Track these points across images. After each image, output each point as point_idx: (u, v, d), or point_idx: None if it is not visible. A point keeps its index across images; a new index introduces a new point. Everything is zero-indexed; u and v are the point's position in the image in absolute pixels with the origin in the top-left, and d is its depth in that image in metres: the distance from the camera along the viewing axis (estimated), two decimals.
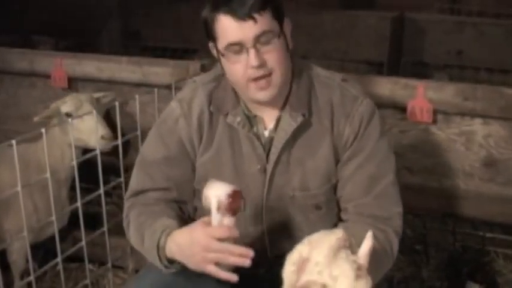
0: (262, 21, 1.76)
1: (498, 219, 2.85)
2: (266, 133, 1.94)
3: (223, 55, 1.83)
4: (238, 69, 1.81)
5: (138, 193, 2.01)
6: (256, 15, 1.75)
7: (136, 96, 2.80)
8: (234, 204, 1.70)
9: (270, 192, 1.95)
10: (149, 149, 2.03)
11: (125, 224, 2.02)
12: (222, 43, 1.81)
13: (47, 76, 3.35)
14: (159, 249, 1.81)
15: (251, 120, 1.94)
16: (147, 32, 5.87)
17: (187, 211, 2.04)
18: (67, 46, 5.06)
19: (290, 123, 1.89)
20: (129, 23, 5.94)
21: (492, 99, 2.60)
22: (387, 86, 2.73)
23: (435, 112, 2.69)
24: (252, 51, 1.77)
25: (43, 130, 2.42)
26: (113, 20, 5.90)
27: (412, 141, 2.78)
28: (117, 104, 2.72)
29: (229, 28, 1.77)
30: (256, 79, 1.81)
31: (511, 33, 4.86)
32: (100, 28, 5.83)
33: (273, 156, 1.92)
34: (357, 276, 1.40)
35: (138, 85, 3.16)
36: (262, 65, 1.79)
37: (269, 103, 1.90)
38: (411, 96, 2.68)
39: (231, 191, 1.70)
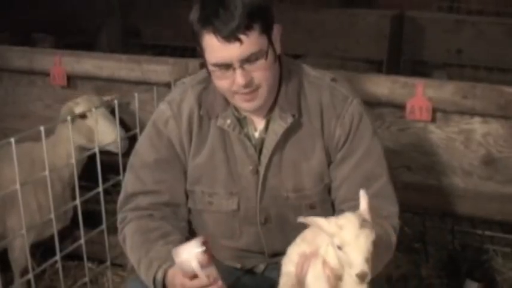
0: (249, 42, 1.71)
1: (497, 218, 2.85)
2: (256, 134, 1.93)
3: (209, 69, 1.81)
4: (225, 84, 1.80)
5: (129, 197, 2.00)
6: (242, 37, 1.70)
7: (136, 94, 2.80)
8: (210, 252, 1.65)
9: (264, 193, 1.94)
10: (140, 152, 2.01)
11: (120, 239, 2.01)
12: (208, 60, 1.78)
13: (46, 74, 3.34)
14: (156, 283, 1.80)
15: (241, 121, 1.92)
16: (146, 31, 5.87)
17: (182, 214, 2.03)
18: (66, 44, 5.03)
19: (280, 125, 1.88)
20: (129, 22, 5.93)
21: (491, 97, 2.61)
22: (386, 85, 2.73)
23: (434, 110, 2.69)
24: (238, 72, 1.74)
25: (42, 128, 2.42)
26: (112, 18, 5.89)
27: (411, 140, 2.78)
28: (116, 102, 2.72)
29: (214, 48, 1.73)
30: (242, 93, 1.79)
31: (510, 32, 4.86)
32: (100, 26, 5.82)
33: (264, 158, 1.91)
34: (361, 226, 1.52)
35: (137, 83, 3.16)
36: (249, 84, 1.77)
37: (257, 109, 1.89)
38: (410, 95, 2.68)
39: (201, 244, 1.64)
